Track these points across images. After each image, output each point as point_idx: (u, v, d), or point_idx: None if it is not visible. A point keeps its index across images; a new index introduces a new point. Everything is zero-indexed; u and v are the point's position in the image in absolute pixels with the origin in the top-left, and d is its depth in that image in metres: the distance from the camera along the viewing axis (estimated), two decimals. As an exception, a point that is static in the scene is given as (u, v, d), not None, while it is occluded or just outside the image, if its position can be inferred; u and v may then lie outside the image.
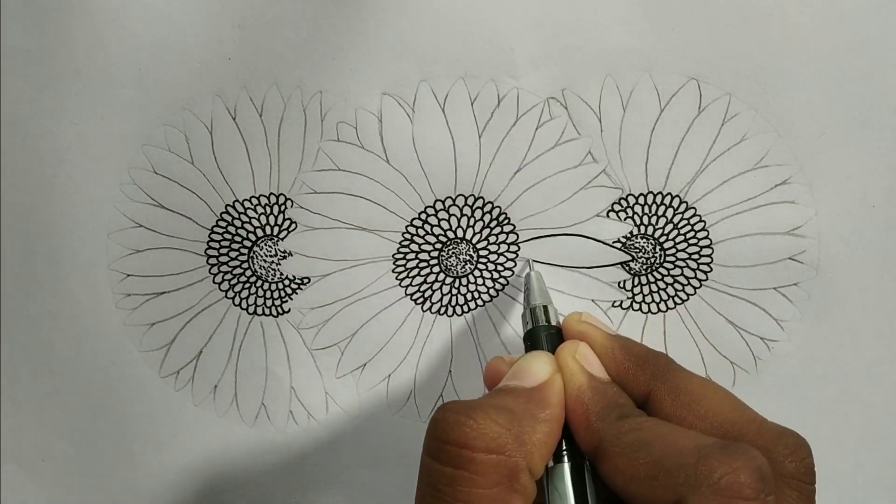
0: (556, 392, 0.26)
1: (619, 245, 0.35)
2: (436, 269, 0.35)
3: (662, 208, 0.34)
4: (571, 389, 0.27)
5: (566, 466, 0.26)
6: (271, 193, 0.35)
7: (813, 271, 0.34)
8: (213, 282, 0.36)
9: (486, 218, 0.35)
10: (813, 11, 0.32)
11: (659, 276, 0.35)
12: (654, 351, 0.28)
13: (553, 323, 0.30)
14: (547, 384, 0.26)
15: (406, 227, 0.35)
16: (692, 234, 0.34)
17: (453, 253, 0.35)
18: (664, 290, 0.35)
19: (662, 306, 0.35)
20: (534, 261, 0.35)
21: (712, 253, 0.34)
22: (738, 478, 0.22)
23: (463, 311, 0.36)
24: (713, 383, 0.27)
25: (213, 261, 0.35)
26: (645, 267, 0.35)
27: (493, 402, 0.25)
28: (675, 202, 0.34)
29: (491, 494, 0.23)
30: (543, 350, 0.29)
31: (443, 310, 0.36)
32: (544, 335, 0.29)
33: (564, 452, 0.26)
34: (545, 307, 0.30)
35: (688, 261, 0.35)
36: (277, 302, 0.36)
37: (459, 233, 0.35)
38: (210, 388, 0.37)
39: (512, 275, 0.35)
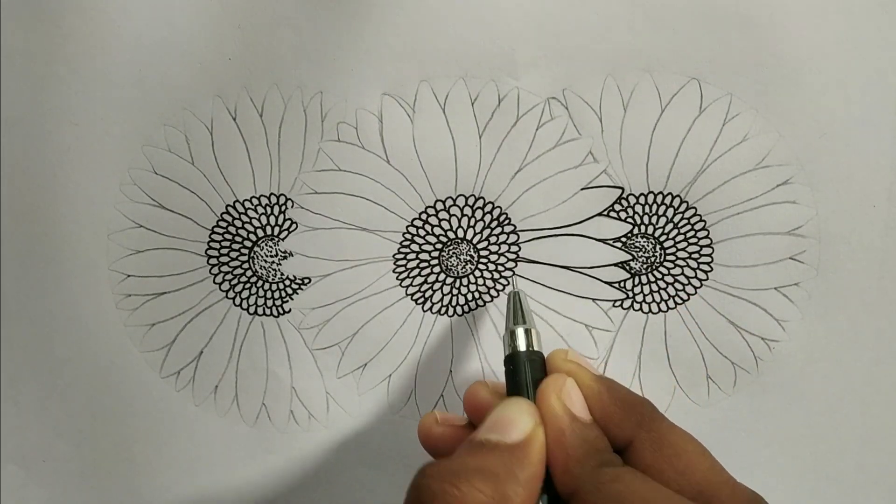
0: (538, 448, 0.26)
1: (619, 245, 0.35)
2: (436, 269, 0.35)
3: (663, 208, 0.34)
4: (553, 430, 0.26)
5: None
6: (272, 194, 0.35)
7: (813, 271, 0.34)
8: (214, 282, 0.36)
9: (487, 218, 0.35)
10: (813, 11, 0.32)
11: (659, 276, 0.35)
12: (640, 397, 0.28)
13: (535, 348, 0.29)
14: (529, 440, 0.26)
15: (406, 227, 0.35)
16: (692, 233, 0.34)
17: (454, 253, 0.35)
18: (664, 289, 0.35)
19: (663, 306, 0.35)
20: (533, 261, 0.35)
21: (713, 253, 0.34)
22: None
23: (463, 312, 0.36)
24: (693, 438, 0.27)
25: (213, 261, 0.35)
26: (645, 266, 0.35)
27: (475, 464, 0.25)
28: (676, 202, 0.34)
29: None
30: (524, 380, 0.28)
31: (443, 310, 0.36)
32: (526, 363, 0.29)
33: (542, 497, 0.26)
34: (528, 331, 0.30)
35: (688, 260, 0.35)
36: (278, 302, 0.36)
37: (460, 233, 0.35)
38: (211, 388, 0.37)
39: (512, 275, 0.35)
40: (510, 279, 0.35)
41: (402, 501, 0.38)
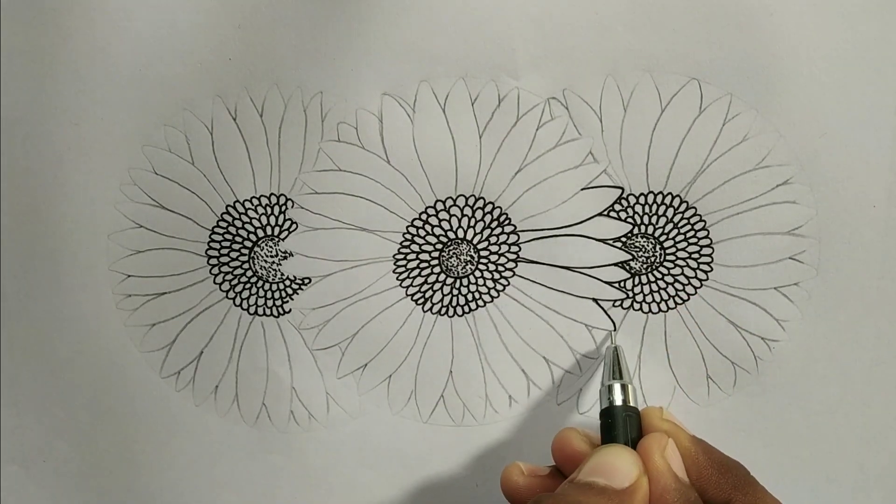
0: (643, 496, 0.26)
1: (619, 245, 0.35)
2: (436, 269, 0.35)
3: (663, 208, 0.34)
4: (657, 488, 0.27)
5: None
6: (272, 194, 0.35)
7: (813, 271, 0.34)
8: (214, 282, 0.36)
9: (487, 218, 0.35)
10: (813, 11, 0.32)
11: (659, 276, 0.35)
12: (734, 460, 0.29)
13: (631, 403, 0.31)
14: (635, 487, 0.26)
15: (407, 227, 0.35)
16: (692, 233, 0.34)
17: (454, 253, 0.35)
18: (664, 289, 0.35)
19: (663, 306, 0.35)
20: (533, 261, 0.35)
21: (713, 253, 0.34)
22: None
23: (464, 312, 0.36)
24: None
25: (213, 261, 0.35)
26: (645, 266, 0.35)
27: (587, 501, 0.25)
28: (676, 202, 0.34)
29: None
30: (622, 436, 0.29)
31: (443, 310, 0.36)
32: (624, 419, 0.30)
33: None
34: (624, 386, 0.31)
35: (688, 260, 0.35)
36: (278, 302, 0.36)
37: (460, 233, 0.35)
38: (211, 388, 0.37)
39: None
40: (610, 334, 0.35)
41: (402, 501, 0.38)
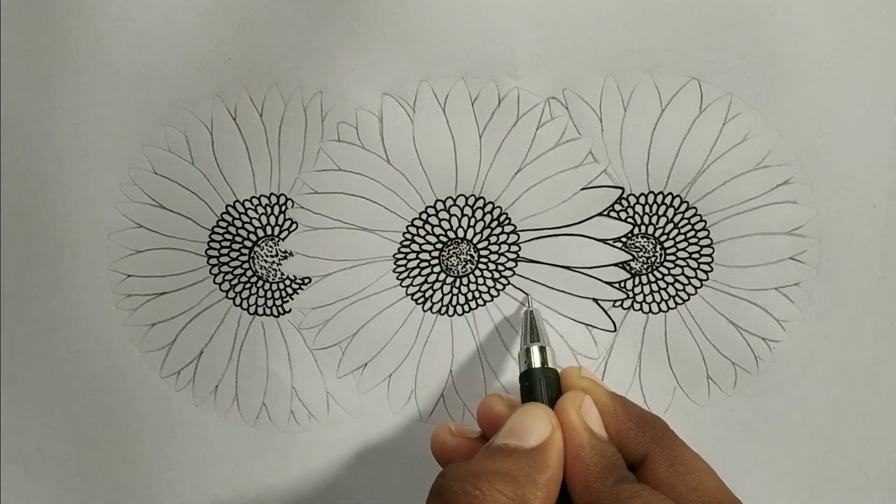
0: (556, 452, 0.26)
1: (619, 245, 0.35)
2: (436, 268, 0.35)
3: (663, 208, 0.34)
4: (572, 445, 0.27)
5: None
6: (272, 194, 0.35)
7: (814, 271, 0.34)
8: (214, 282, 0.36)
9: (487, 218, 0.35)
10: (813, 11, 0.32)
11: (659, 276, 0.35)
12: (653, 414, 0.29)
13: (550, 365, 0.30)
14: (547, 444, 0.26)
15: (407, 226, 0.35)
16: (693, 233, 0.34)
17: (454, 253, 0.35)
18: (665, 289, 0.35)
19: (663, 306, 0.35)
20: (533, 261, 0.35)
21: (713, 253, 0.34)
22: None
23: (464, 311, 0.36)
24: (701, 458, 0.28)
25: (213, 261, 0.35)
26: (645, 266, 0.35)
27: (495, 467, 0.25)
28: (676, 202, 0.34)
29: None
30: (540, 396, 0.29)
31: (443, 310, 0.36)
32: (541, 379, 0.30)
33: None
34: (542, 348, 0.31)
35: (688, 260, 0.35)
36: (278, 302, 0.36)
37: (460, 233, 0.35)
38: (211, 388, 0.37)
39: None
40: (526, 299, 0.35)
41: (402, 501, 0.38)
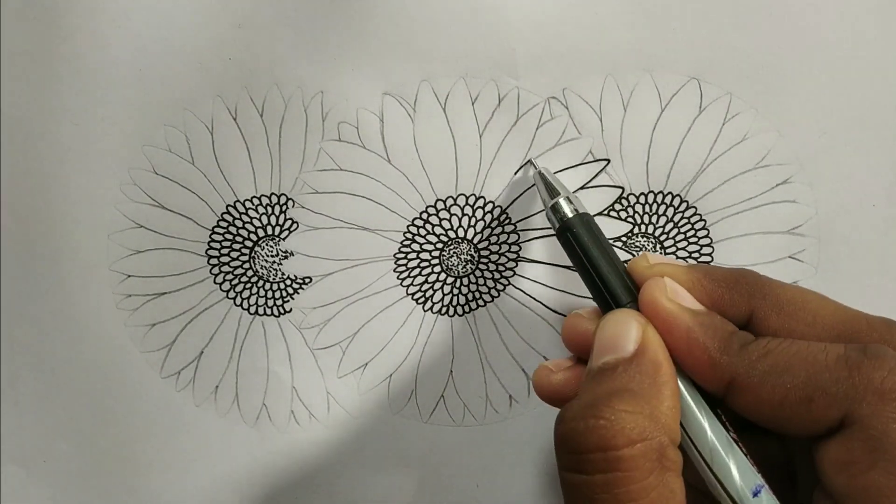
0: (659, 347, 0.24)
1: (619, 244, 0.35)
2: (437, 268, 0.35)
3: (663, 207, 0.34)
4: (679, 332, 0.25)
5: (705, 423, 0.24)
6: (272, 193, 0.35)
7: (813, 270, 0.34)
8: (215, 282, 0.36)
9: (487, 217, 0.35)
10: (813, 11, 0.32)
11: (659, 276, 0.35)
12: (739, 269, 0.27)
13: (581, 211, 0.29)
14: (645, 343, 0.24)
15: (407, 226, 0.35)
16: (693, 233, 0.34)
17: (454, 252, 0.35)
18: (665, 289, 0.35)
19: (663, 305, 0.35)
20: (533, 261, 0.35)
21: (713, 252, 0.34)
22: None
23: (464, 311, 0.36)
24: (805, 289, 0.26)
25: (213, 261, 0.35)
26: (645, 266, 0.35)
27: (606, 389, 0.23)
28: (676, 201, 0.34)
29: (649, 484, 0.22)
30: (592, 245, 0.27)
31: (444, 310, 0.36)
32: (582, 227, 0.28)
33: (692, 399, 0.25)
34: (568, 199, 0.29)
35: (688, 259, 0.35)
36: (279, 302, 0.36)
37: (460, 232, 0.35)
38: (211, 388, 0.37)
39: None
40: (530, 162, 0.33)
41: (402, 501, 0.38)
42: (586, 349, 0.26)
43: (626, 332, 0.25)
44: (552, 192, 0.30)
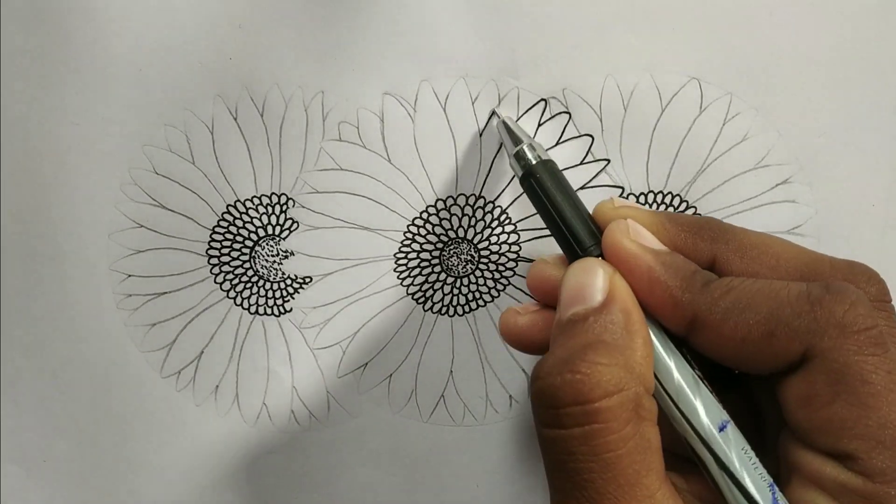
0: (627, 295, 0.24)
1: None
2: (437, 268, 0.35)
3: (663, 207, 0.34)
4: (640, 271, 0.24)
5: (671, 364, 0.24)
6: (273, 193, 0.35)
7: (813, 270, 0.34)
8: (215, 282, 0.36)
9: (488, 217, 0.35)
10: (813, 11, 0.32)
11: (659, 276, 0.35)
12: (703, 217, 0.27)
13: (545, 158, 0.28)
14: (613, 291, 0.24)
15: (407, 226, 0.35)
16: (692, 233, 0.34)
17: (454, 252, 0.35)
18: (665, 289, 0.35)
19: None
20: (533, 260, 0.35)
21: (713, 252, 0.34)
22: (858, 311, 0.22)
23: (464, 311, 0.36)
24: (767, 234, 0.26)
25: (214, 261, 0.35)
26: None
27: (579, 343, 0.23)
28: (676, 201, 0.34)
29: (626, 434, 0.22)
30: (554, 188, 0.27)
31: (444, 309, 0.36)
32: (546, 173, 0.27)
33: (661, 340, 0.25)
34: (531, 146, 0.29)
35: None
36: (279, 301, 0.36)
37: (461, 232, 0.35)
38: (211, 388, 0.37)
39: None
40: (493, 113, 0.33)
41: (402, 501, 0.38)
42: (553, 296, 0.26)
43: (592, 281, 0.25)
44: (516, 140, 0.30)
